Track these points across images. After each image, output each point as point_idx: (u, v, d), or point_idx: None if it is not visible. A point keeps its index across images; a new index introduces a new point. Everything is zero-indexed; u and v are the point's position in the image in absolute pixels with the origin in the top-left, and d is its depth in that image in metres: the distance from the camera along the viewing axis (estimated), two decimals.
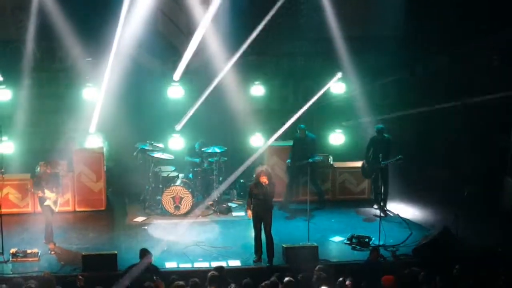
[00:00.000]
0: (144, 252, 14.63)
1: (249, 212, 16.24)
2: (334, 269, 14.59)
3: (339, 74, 19.04)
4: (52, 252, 16.40)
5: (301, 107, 20.65)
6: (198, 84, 20.19)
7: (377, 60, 20.66)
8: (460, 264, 14.21)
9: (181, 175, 19.08)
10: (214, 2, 18.82)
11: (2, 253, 16.03)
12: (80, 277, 13.95)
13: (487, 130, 20.23)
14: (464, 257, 15.32)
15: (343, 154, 20.03)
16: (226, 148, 19.16)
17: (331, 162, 19.76)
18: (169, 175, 18.97)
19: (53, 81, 20.66)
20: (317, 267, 14.22)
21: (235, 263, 16.07)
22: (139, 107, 20.46)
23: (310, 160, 18.36)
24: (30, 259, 15.97)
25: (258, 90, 20.13)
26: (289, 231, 17.57)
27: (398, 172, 18.75)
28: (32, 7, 19.43)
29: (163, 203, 18.60)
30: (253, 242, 16.27)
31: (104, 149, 19.39)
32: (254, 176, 16.37)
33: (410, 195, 19.71)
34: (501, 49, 20.35)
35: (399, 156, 18.12)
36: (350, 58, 20.68)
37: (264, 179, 15.93)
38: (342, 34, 20.71)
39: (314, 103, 18.79)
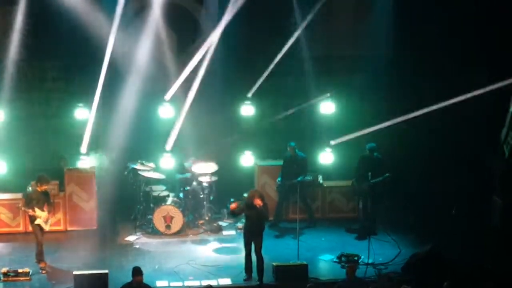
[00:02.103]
0: (135, 271, 14.69)
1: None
2: None
3: (328, 95, 19.18)
4: (43, 272, 16.47)
5: (292, 125, 20.93)
6: (190, 103, 20.26)
7: (367, 79, 20.80)
8: (449, 281, 14.28)
9: (172, 194, 19.17)
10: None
11: None
12: None
13: (474, 149, 20.34)
14: (452, 274, 15.40)
15: (333, 173, 20.14)
16: (216, 167, 19.24)
17: (321, 181, 19.85)
18: (160, 195, 19.06)
19: (44, 101, 20.72)
20: (307, 286, 14.30)
21: (225, 281, 16.17)
22: (130, 126, 20.54)
23: (298, 179, 18.48)
24: (21, 279, 16.05)
25: (248, 109, 20.19)
26: (279, 249, 17.69)
27: (387, 190, 18.84)
28: (22, 27, 19.55)
29: (154, 222, 18.67)
30: (243, 261, 16.36)
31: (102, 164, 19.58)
32: (246, 197, 16.43)
33: (399, 213, 19.81)
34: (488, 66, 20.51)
35: (387, 174, 18.24)
36: (340, 77, 20.86)
37: (258, 202, 16.00)
38: (332, 53, 20.89)
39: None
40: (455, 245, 17.37)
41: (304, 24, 20.08)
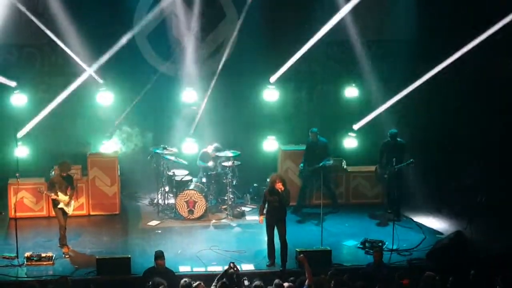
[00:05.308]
0: (157, 255, 14.62)
1: (261, 217, 16.29)
2: (348, 274, 14.55)
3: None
4: (66, 256, 16.48)
5: (315, 110, 20.82)
6: (213, 88, 20.19)
7: (392, 64, 20.64)
8: (475, 269, 14.13)
9: (194, 179, 19.13)
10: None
11: (17, 257, 16.17)
12: None
13: (500, 133, 20.16)
14: (478, 262, 15.27)
15: (357, 158, 20.01)
16: (239, 153, 19.17)
17: (345, 166, 19.76)
18: (183, 179, 19.02)
19: (67, 86, 20.66)
20: (330, 272, 14.20)
21: (248, 267, 16.08)
22: (153, 111, 20.56)
23: (321, 164, 18.41)
24: (45, 263, 16.06)
25: (272, 93, 20.10)
26: (302, 235, 17.59)
27: (412, 177, 18.70)
28: (47, 12, 19.53)
29: (176, 207, 18.65)
30: (266, 246, 16.30)
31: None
32: (268, 182, 16.38)
33: (424, 200, 19.66)
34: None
35: (411, 160, 18.09)
36: (365, 62, 20.69)
37: (279, 186, 15.93)
38: (357, 38, 20.71)
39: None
40: (481, 232, 17.19)
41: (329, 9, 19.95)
